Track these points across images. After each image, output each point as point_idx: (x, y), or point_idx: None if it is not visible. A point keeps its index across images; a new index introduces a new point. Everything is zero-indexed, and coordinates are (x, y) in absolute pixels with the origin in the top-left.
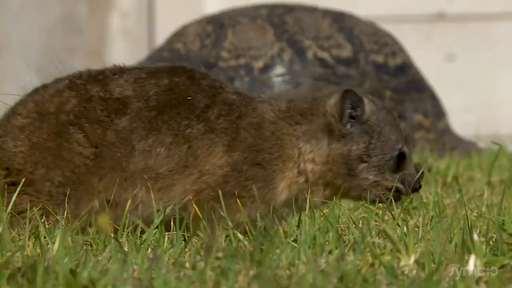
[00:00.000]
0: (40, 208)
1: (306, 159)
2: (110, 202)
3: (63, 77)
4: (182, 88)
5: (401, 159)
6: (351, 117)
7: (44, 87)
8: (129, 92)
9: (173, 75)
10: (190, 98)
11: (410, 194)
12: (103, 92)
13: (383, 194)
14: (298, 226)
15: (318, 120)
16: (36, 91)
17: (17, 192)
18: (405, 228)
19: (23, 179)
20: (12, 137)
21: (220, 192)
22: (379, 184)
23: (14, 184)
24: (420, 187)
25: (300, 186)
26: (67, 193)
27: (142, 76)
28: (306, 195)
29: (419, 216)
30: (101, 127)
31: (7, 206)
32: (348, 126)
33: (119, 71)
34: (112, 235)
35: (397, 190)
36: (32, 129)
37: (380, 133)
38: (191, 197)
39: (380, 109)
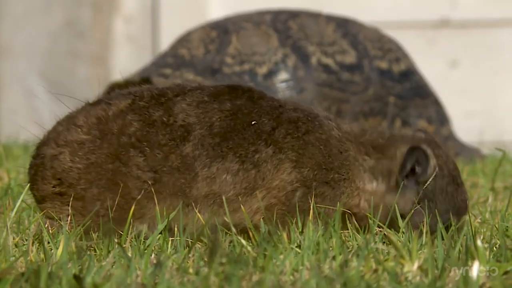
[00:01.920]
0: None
1: (367, 198)
2: (166, 227)
3: (125, 93)
4: (245, 112)
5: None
6: (413, 171)
7: (107, 103)
8: (192, 119)
9: (234, 97)
10: (255, 122)
11: None
12: (166, 117)
13: None
14: (301, 232)
15: (385, 161)
16: (98, 103)
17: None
18: (408, 234)
19: (73, 194)
20: (70, 150)
21: (291, 204)
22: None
23: (62, 194)
24: None
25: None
26: (113, 217)
27: (205, 99)
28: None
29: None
30: (163, 152)
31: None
32: (405, 180)
33: (181, 92)
34: (116, 240)
35: None
36: (92, 147)
37: (430, 200)
38: (261, 214)
39: (443, 176)
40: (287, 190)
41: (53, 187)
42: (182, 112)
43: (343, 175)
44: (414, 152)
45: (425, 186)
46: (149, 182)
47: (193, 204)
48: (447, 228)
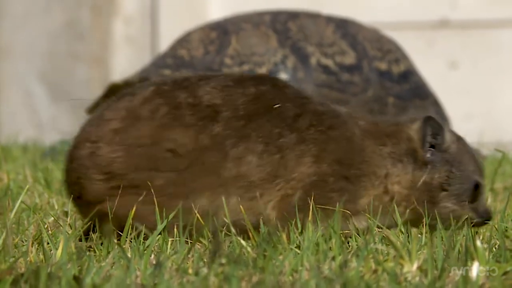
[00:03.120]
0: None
1: (394, 181)
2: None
3: (145, 84)
4: (269, 97)
5: (476, 189)
6: (431, 145)
7: (130, 94)
8: (218, 101)
9: (259, 83)
10: (279, 105)
11: (482, 224)
12: (191, 98)
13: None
14: (301, 232)
15: (403, 145)
16: (121, 97)
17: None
18: (408, 235)
19: (127, 183)
20: (107, 141)
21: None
22: (457, 212)
23: (117, 188)
24: (491, 217)
25: (384, 204)
26: (171, 193)
27: (229, 84)
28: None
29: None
30: (193, 131)
31: (112, 209)
32: (429, 154)
33: (204, 77)
34: (116, 241)
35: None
36: (127, 132)
37: (460, 162)
38: (275, 203)
39: (458, 138)
40: (304, 182)
41: (104, 183)
42: (207, 94)
43: (363, 170)
44: (428, 123)
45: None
46: (187, 160)
47: (224, 186)
48: (477, 193)
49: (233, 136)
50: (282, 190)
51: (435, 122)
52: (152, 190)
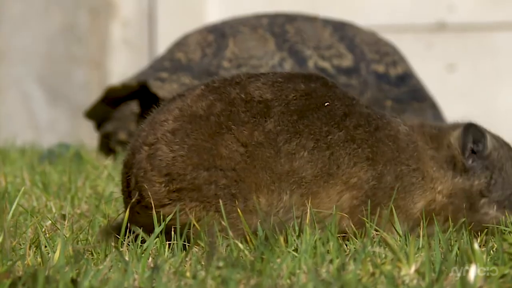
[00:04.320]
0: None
1: (438, 189)
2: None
3: (193, 86)
4: (318, 94)
5: None
6: (473, 151)
7: (181, 95)
8: (269, 96)
9: (308, 81)
10: (328, 104)
11: None
12: (243, 94)
13: None
14: (298, 235)
15: (443, 151)
16: (172, 100)
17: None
18: (405, 238)
19: (188, 185)
20: (165, 142)
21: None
22: (498, 219)
23: (178, 190)
24: None
25: (427, 213)
26: (234, 193)
27: (279, 80)
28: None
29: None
30: (248, 128)
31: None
32: (470, 161)
33: (254, 75)
34: (113, 244)
35: None
36: (185, 132)
37: (501, 169)
38: (347, 215)
39: (501, 145)
40: (365, 189)
41: (165, 185)
42: (257, 89)
43: (411, 166)
44: (469, 130)
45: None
46: (244, 156)
47: (278, 182)
48: None
49: (285, 132)
50: (348, 201)
51: (477, 129)
52: (215, 191)
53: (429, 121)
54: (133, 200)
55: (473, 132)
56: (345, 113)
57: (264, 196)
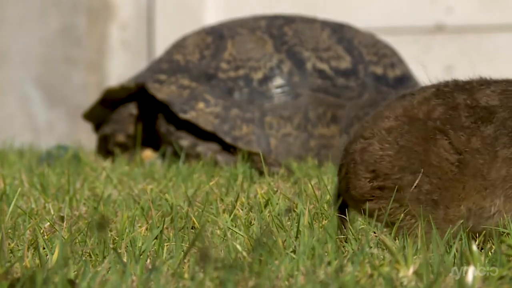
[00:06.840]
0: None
1: None
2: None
3: (429, 85)
4: None
5: None
6: None
7: (411, 94)
8: (495, 102)
9: None
10: None
11: None
12: (470, 100)
13: None
14: (296, 237)
15: None
16: (403, 97)
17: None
18: (404, 239)
19: (391, 184)
20: (378, 139)
21: None
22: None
23: (381, 188)
24: None
25: None
26: (436, 199)
27: (509, 88)
28: None
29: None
30: (466, 134)
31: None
32: None
33: (486, 82)
34: (111, 246)
35: None
36: (400, 132)
37: None
38: None
39: None
40: None
41: (370, 181)
42: (485, 96)
43: None
44: None
45: None
46: (455, 164)
47: (491, 188)
48: None
49: (505, 136)
50: None
51: None
52: (417, 195)
53: None
54: (342, 188)
55: None
56: None
57: (471, 204)
